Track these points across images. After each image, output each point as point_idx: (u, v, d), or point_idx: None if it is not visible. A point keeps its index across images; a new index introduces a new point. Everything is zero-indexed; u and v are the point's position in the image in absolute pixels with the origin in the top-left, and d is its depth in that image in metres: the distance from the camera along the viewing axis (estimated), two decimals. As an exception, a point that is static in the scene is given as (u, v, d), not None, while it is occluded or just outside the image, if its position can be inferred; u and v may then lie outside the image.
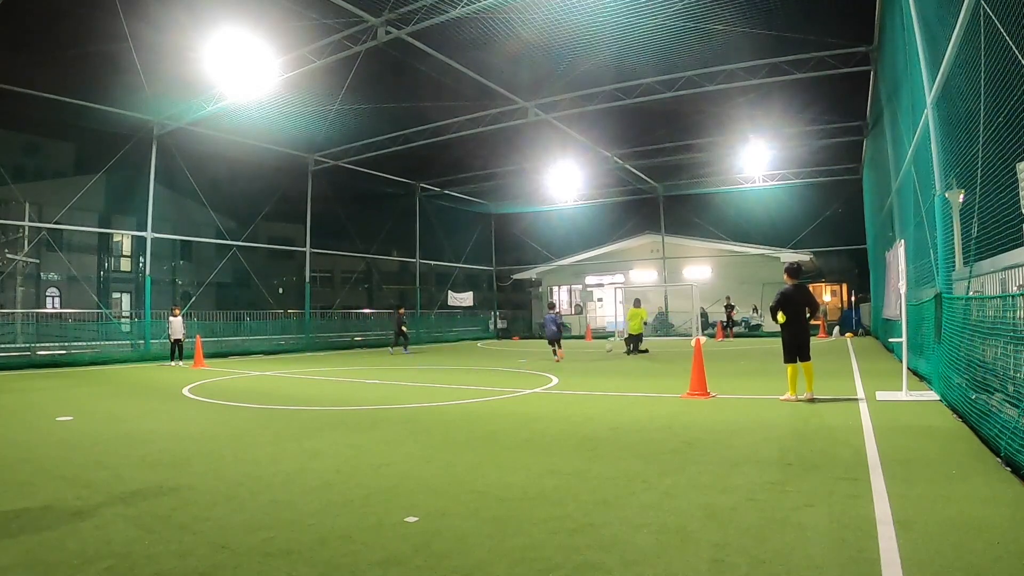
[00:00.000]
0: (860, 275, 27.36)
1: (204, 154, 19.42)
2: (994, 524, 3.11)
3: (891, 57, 11.16)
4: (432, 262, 29.37)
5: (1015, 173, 4.50)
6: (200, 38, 12.45)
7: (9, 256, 19.59)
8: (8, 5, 11.09)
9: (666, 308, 29.12)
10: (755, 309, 27.22)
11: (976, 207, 5.65)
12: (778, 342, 7.79)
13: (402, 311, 21.30)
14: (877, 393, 7.82)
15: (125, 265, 29.89)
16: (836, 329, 25.56)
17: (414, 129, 19.52)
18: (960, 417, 5.94)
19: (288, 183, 22.23)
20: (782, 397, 7.63)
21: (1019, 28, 4.09)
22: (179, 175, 18.95)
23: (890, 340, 13.96)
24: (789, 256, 26.19)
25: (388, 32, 12.73)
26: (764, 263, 26.49)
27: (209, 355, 16.61)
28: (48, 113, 16.03)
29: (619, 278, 31.25)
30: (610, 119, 18.42)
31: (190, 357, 15.53)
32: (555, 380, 10.77)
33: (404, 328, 20.14)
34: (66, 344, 16.26)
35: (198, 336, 15.95)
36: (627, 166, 24.39)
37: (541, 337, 23.21)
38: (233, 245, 21.50)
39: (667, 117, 18.53)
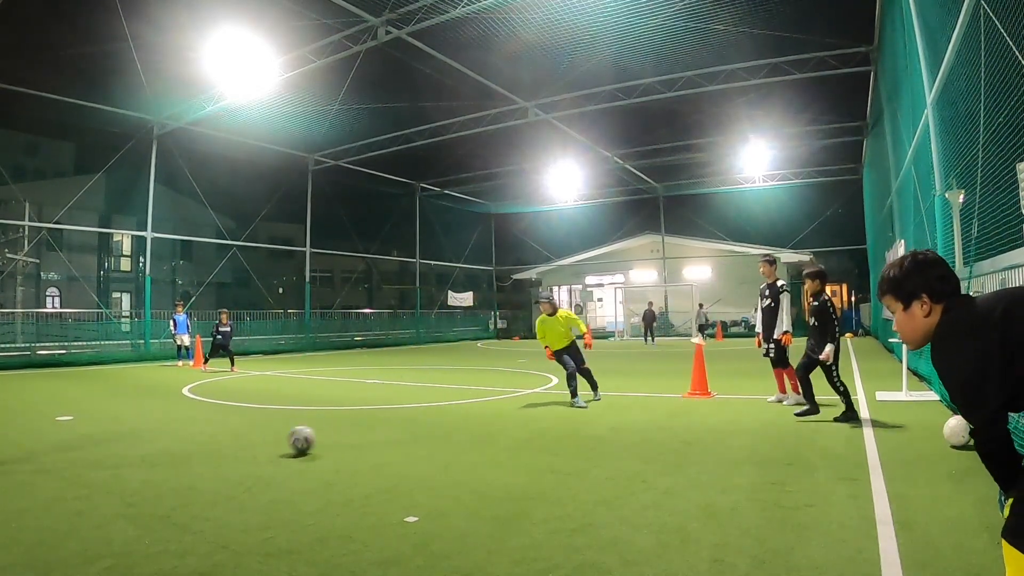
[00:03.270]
0: (860, 275, 27.35)
1: (204, 154, 19.41)
2: (994, 524, 3.11)
3: (891, 57, 11.15)
4: (432, 262, 29.36)
5: (1015, 173, 4.50)
6: (200, 38, 12.43)
7: (9, 256, 19.60)
8: (8, 5, 11.08)
9: (666, 308, 29.14)
10: (756, 309, 27.21)
11: (976, 207, 5.65)
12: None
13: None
14: (877, 393, 7.82)
15: (125, 265, 29.91)
16: (836, 329, 25.53)
17: (414, 129, 19.51)
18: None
19: (288, 183, 22.22)
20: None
21: (1019, 28, 4.09)
22: (179, 175, 18.94)
23: (890, 340, 13.96)
24: (789, 256, 26.24)
25: (388, 32, 12.73)
26: (764, 263, 26.48)
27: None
28: (48, 113, 16.03)
29: (619, 278, 31.26)
30: (610, 119, 18.41)
31: (188, 356, 15.50)
32: (555, 380, 10.76)
33: None
34: (66, 344, 16.27)
35: (198, 336, 15.92)
36: (627, 166, 24.39)
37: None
38: (233, 245, 21.49)
39: (667, 117, 18.52)
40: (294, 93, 15.88)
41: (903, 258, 1.88)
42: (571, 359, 7.99)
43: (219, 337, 13.42)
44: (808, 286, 6.51)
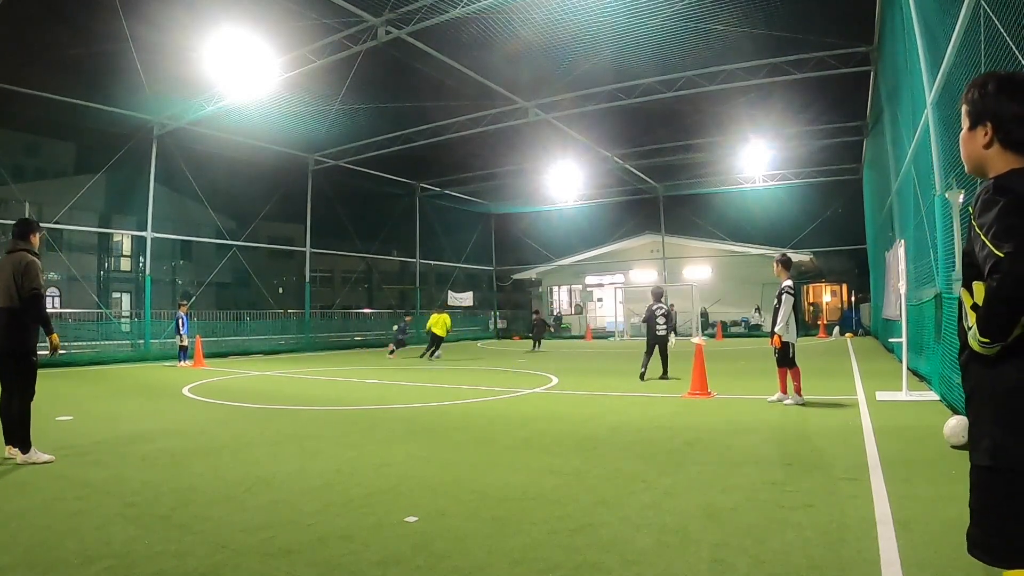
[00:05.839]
0: (860, 275, 27.35)
1: (204, 154, 19.40)
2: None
3: (891, 57, 11.16)
4: (432, 262, 29.36)
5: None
6: (200, 38, 12.43)
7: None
8: (8, 5, 11.08)
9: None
10: (757, 309, 27.20)
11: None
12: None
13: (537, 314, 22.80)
14: (877, 393, 7.82)
15: (125, 265, 29.91)
16: (836, 329, 25.57)
17: (414, 129, 19.50)
18: (960, 417, 5.94)
19: (288, 183, 22.20)
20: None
21: (1019, 28, 4.09)
22: (179, 175, 18.92)
23: (890, 340, 13.96)
24: (790, 256, 26.24)
25: (388, 32, 12.73)
26: (764, 263, 26.51)
27: (209, 355, 16.59)
28: (48, 113, 16.01)
29: (619, 278, 31.26)
30: (610, 119, 18.41)
31: (190, 356, 15.46)
32: (555, 380, 10.77)
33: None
34: (66, 344, 16.21)
35: (198, 336, 15.89)
36: (627, 166, 24.39)
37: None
38: (233, 245, 21.49)
39: (667, 117, 18.52)
40: (294, 93, 15.88)
41: (995, 75, 1.61)
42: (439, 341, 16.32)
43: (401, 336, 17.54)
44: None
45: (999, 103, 1.55)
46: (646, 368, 10.40)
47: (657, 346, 10.51)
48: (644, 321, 10.72)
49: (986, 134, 1.56)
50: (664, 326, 10.46)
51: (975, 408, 1.57)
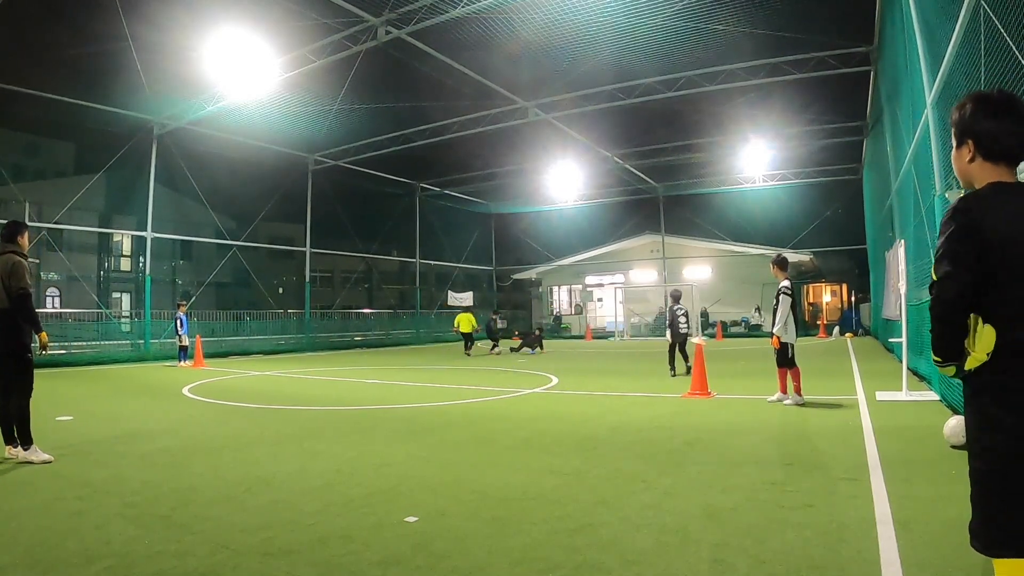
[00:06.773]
0: (860, 275, 27.33)
1: (204, 154, 19.40)
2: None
3: (891, 57, 11.15)
4: (432, 262, 29.36)
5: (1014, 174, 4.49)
6: (200, 38, 12.44)
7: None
8: (8, 5, 11.08)
9: (666, 308, 29.09)
10: (757, 309, 27.19)
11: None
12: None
13: (495, 315, 22.56)
14: (877, 393, 7.82)
15: (125, 265, 29.89)
16: (836, 329, 25.56)
17: (414, 129, 19.51)
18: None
19: (288, 183, 22.20)
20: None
21: (1019, 28, 4.09)
22: (179, 175, 18.92)
23: (890, 340, 13.96)
24: (789, 256, 26.20)
25: (388, 32, 12.73)
26: (764, 263, 26.44)
27: (209, 355, 16.59)
28: (48, 113, 16.02)
29: (619, 278, 31.25)
30: (610, 119, 18.41)
31: (190, 356, 15.46)
32: (555, 380, 10.77)
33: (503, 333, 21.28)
34: (66, 344, 16.23)
35: (198, 336, 15.88)
36: (627, 166, 24.38)
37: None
38: (233, 245, 21.49)
39: (667, 117, 18.52)
40: (294, 93, 15.88)
41: (973, 96, 1.75)
42: (472, 337, 18.36)
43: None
44: None
45: (976, 121, 1.71)
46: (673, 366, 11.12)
47: (679, 344, 11.21)
48: (668, 323, 11.46)
49: (969, 151, 1.72)
50: (686, 325, 11.39)
51: (968, 414, 1.75)
